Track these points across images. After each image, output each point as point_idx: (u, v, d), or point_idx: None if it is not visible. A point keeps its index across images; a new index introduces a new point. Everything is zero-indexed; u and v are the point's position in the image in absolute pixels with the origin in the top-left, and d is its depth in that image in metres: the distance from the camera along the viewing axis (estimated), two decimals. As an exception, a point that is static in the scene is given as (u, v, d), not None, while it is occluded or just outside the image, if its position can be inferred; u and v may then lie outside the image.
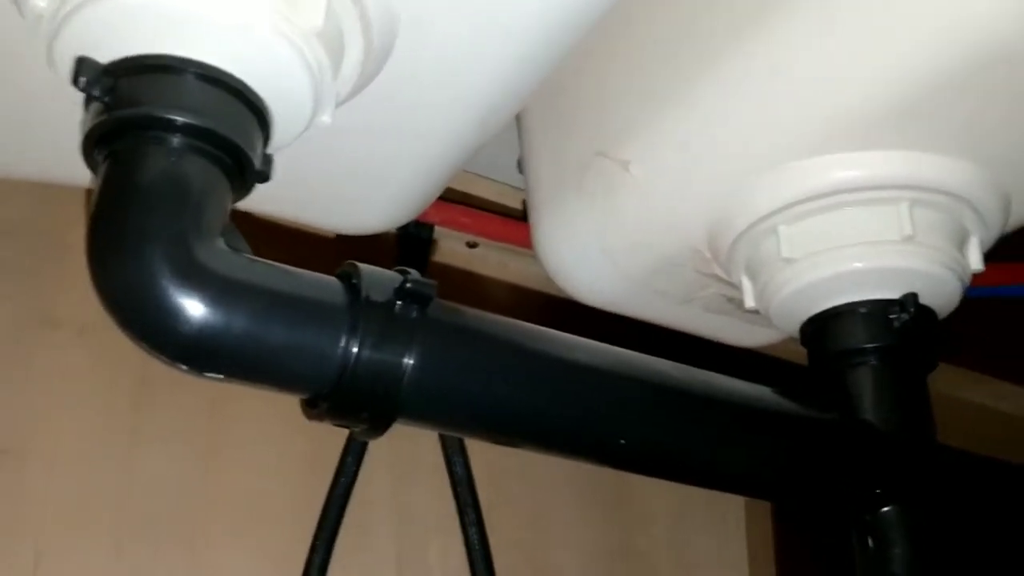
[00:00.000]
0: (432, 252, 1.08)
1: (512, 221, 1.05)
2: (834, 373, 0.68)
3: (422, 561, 1.00)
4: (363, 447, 0.95)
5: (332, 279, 0.52)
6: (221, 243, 0.49)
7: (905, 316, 0.66)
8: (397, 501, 1.01)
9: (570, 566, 1.09)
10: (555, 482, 1.10)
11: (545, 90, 0.65)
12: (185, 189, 0.49)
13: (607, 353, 0.60)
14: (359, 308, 0.50)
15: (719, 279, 0.79)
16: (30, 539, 0.84)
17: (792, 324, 0.72)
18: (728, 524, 1.20)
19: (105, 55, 0.49)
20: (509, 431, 0.57)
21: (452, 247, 1.11)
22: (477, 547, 0.97)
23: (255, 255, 0.51)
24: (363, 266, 0.52)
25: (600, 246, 0.80)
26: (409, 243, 1.04)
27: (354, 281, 0.51)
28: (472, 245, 1.11)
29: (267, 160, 0.54)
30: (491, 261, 1.14)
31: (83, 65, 0.49)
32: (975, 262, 0.69)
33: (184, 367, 0.48)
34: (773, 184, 0.67)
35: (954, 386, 1.25)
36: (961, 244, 0.68)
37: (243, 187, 0.53)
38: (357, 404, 0.51)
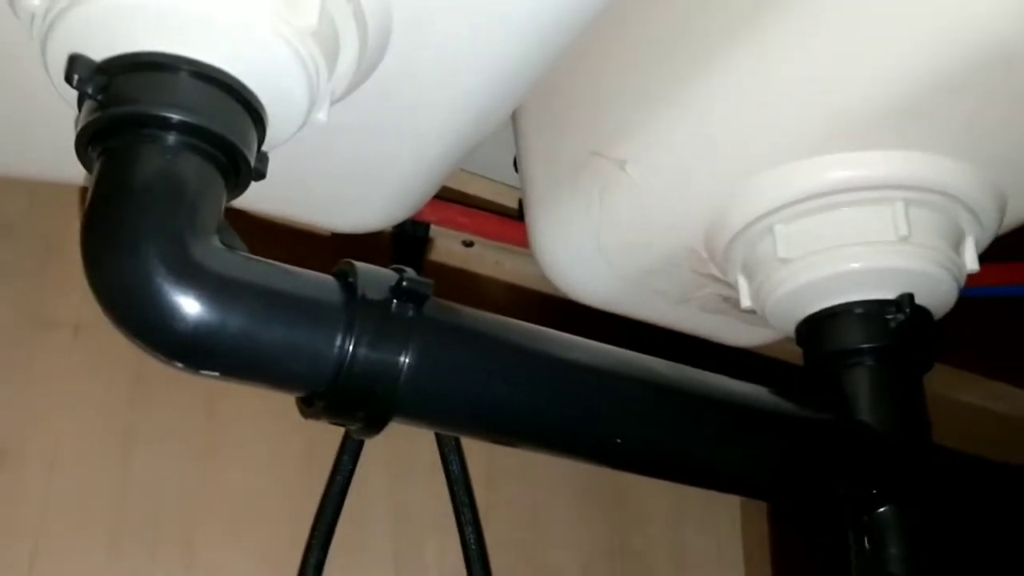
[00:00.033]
0: (428, 251, 1.08)
1: (508, 220, 1.05)
2: (830, 373, 0.68)
3: (419, 560, 1.00)
4: (359, 445, 0.95)
5: (328, 277, 0.52)
6: (217, 241, 0.49)
7: (901, 316, 0.66)
8: (394, 500, 1.01)
9: (567, 566, 1.09)
10: (552, 482, 1.10)
11: (540, 89, 0.65)
12: (180, 187, 0.49)
13: (604, 352, 0.60)
14: (355, 306, 0.50)
15: (715, 279, 0.79)
16: (26, 539, 0.84)
17: (788, 324, 0.72)
18: (724, 524, 1.20)
19: (99, 53, 0.49)
20: (505, 430, 0.57)
21: (448, 246, 1.11)
22: (473, 546, 0.97)
23: (251, 253, 0.51)
24: (359, 264, 0.52)
25: (595, 245, 0.80)
26: (405, 242, 1.04)
27: (350, 279, 0.51)
28: (468, 244, 1.11)
29: (262, 158, 0.54)
30: (487, 260, 1.14)
31: (76, 63, 0.48)
32: (971, 262, 0.69)
33: (180, 365, 0.48)
34: (770, 184, 0.67)
35: (949, 386, 1.25)
36: (957, 244, 0.68)
37: (238, 185, 0.53)
38: (353, 403, 0.51)
